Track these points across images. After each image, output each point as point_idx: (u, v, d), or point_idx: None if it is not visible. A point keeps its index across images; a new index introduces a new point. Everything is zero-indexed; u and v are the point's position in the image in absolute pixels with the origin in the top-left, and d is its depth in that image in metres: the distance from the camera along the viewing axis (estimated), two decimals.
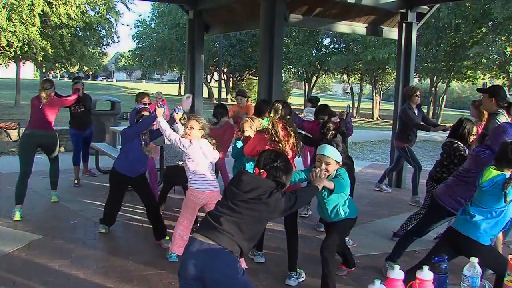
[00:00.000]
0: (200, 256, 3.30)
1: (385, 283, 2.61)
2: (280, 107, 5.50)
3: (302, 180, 4.65)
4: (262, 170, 3.52)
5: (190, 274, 3.31)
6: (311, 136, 7.08)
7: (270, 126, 5.34)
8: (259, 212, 3.41)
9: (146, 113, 6.18)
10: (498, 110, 5.67)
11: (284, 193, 3.58)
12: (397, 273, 2.63)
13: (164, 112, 5.82)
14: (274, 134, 5.30)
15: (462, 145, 5.84)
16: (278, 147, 5.22)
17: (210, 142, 5.58)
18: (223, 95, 45.08)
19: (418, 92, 8.33)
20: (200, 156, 5.49)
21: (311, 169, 4.59)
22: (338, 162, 4.63)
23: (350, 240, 6.31)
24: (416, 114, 8.29)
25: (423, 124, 8.48)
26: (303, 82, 51.01)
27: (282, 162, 3.62)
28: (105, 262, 5.65)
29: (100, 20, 31.32)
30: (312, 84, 47.57)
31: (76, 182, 9.25)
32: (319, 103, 8.64)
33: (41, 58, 27.44)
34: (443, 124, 8.33)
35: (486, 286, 4.93)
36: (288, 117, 5.63)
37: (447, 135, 6.38)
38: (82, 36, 31.63)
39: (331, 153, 4.57)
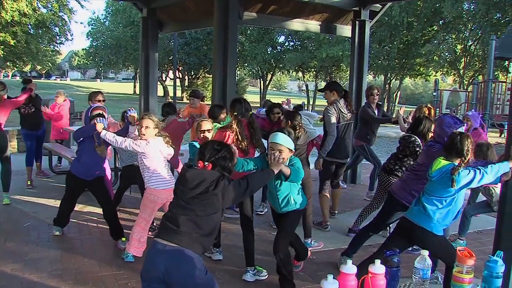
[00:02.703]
0: (163, 259, 3.30)
1: (338, 277, 2.63)
2: (242, 105, 5.57)
3: (250, 169, 4.60)
4: (207, 163, 3.50)
5: (154, 277, 3.32)
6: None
7: (235, 125, 5.38)
8: (211, 204, 3.41)
9: (99, 111, 6.07)
10: (337, 100, 6.76)
11: (231, 180, 3.58)
12: (349, 268, 2.66)
13: (104, 127, 5.74)
14: (238, 133, 5.35)
15: (419, 140, 5.96)
16: (241, 146, 5.28)
17: (164, 140, 5.57)
18: (178, 94, 44.79)
19: (375, 91, 8.46)
20: (157, 154, 5.47)
21: (263, 156, 4.67)
22: (291, 150, 4.58)
23: (313, 242, 6.35)
24: (376, 113, 8.40)
25: (383, 117, 8.65)
26: (258, 80, 51.16)
27: (226, 150, 3.62)
28: (60, 265, 5.55)
29: (53, 17, 30.78)
30: (267, 82, 47.72)
31: (29, 183, 9.06)
32: (273, 103, 8.61)
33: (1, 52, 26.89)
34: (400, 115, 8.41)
35: (438, 277, 5.07)
36: (250, 113, 5.68)
37: (401, 130, 6.57)
38: (35, 34, 31.02)
39: (283, 140, 4.51)
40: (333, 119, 6.68)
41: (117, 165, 8.51)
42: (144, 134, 5.48)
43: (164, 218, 3.49)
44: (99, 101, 7.50)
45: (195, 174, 3.45)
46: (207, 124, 5.96)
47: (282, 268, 4.79)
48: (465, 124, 4.93)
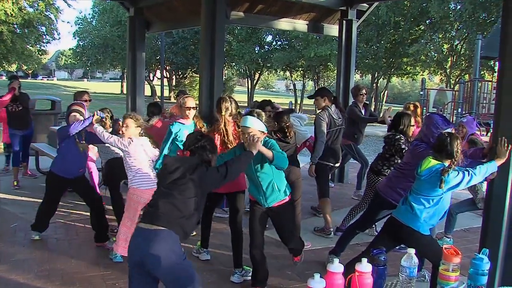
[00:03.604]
0: (141, 241, 3.40)
1: (325, 276, 2.64)
2: (229, 104, 5.44)
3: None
4: (185, 152, 3.67)
5: (134, 260, 3.43)
6: None
7: (222, 125, 5.33)
8: (189, 189, 3.51)
9: (77, 107, 6.05)
10: (327, 106, 6.77)
11: (209, 167, 3.69)
12: (336, 266, 2.66)
13: (102, 118, 5.82)
14: (225, 134, 5.30)
15: (403, 138, 5.98)
16: (228, 147, 5.25)
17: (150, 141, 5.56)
18: (166, 93, 44.68)
19: (363, 91, 8.51)
20: (142, 153, 5.45)
21: (238, 146, 4.69)
22: (263, 132, 4.48)
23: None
24: (363, 113, 8.42)
25: (370, 117, 8.67)
26: (246, 79, 51.13)
27: (206, 141, 3.74)
28: (47, 265, 5.53)
29: (40, 16, 30.57)
30: (255, 81, 47.71)
31: (15, 184, 9.01)
32: (264, 100, 8.61)
33: None
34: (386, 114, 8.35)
35: (425, 276, 5.10)
36: (238, 110, 5.65)
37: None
38: (21, 34, 30.78)
39: (252, 123, 4.41)
40: (324, 125, 6.69)
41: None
42: (124, 133, 5.48)
43: (147, 205, 3.65)
44: (85, 100, 7.46)
45: (174, 160, 3.66)
46: (191, 101, 5.95)
47: (296, 241, 5.17)
48: (453, 128, 4.92)
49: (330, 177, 9.77)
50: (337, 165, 7.18)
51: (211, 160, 3.76)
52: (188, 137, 3.85)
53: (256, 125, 4.42)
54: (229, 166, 3.75)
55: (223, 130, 5.32)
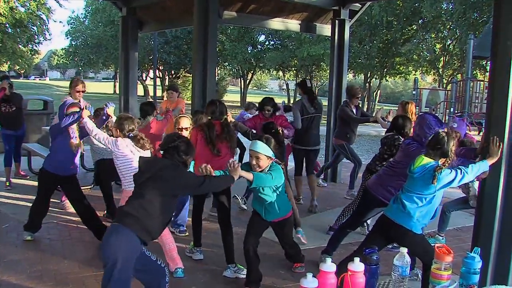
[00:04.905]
0: (104, 236, 3.56)
1: (318, 276, 2.65)
2: (216, 108, 5.58)
3: None
4: (159, 152, 3.81)
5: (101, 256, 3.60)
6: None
7: (206, 128, 5.44)
8: (159, 189, 3.60)
9: (75, 109, 6.00)
10: (302, 95, 7.98)
11: (190, 172, 3.88)
12: (329, 266, 2.67)
13: (91, 114, 5.82)
14: (208, 135, 5.41)
15: (402, 139, 5.99)
16: (210, 148, 5.35)
17: (139, 142, 5.43)
18: (159, 93, 44.56)
19: (359, 95, 8.62)
20: (129, 154, 5.36)
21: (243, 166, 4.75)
22: (270, 157, 4.68)
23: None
24: (354, 113, 8.43)
25: (362, 117, 8.68)
26: (239, 79, 51.14)
27: (181, 142, 3.80)
28: (39, 266, 5.50)
29: (31, 16, 30.44)
30: (248, 81, 47.70)
31: (7, 184, 8.97)
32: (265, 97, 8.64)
33: None
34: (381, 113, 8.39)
35: (418, 274, 5.11)
36: (225, 116, 5.68)
37: (382, 129, 6.60)
38: (12, 34, 30.63)
39: (261, 148, 4.62)
40: (297, 112, 7.76)
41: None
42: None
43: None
44: (79, 92, 7.39)
45: (147, 160, 3.82)
46: (185, 121, 5.95)
47: (296, 253, 5.50)
48: (445, 128, 4.93)
49: (323, 177, 9.89)
50: (312, 148, 8.01)
51: (184, 161, 3.83)
52: (166, 137, 4.03)
53: (264, 150, 4.63)
54: (207, 179, 3.85)
55: (206, 130, 5.48)
